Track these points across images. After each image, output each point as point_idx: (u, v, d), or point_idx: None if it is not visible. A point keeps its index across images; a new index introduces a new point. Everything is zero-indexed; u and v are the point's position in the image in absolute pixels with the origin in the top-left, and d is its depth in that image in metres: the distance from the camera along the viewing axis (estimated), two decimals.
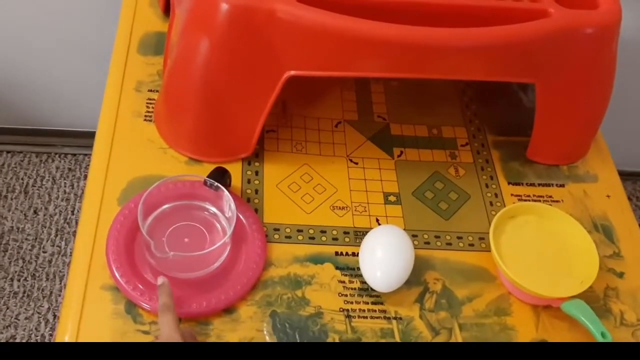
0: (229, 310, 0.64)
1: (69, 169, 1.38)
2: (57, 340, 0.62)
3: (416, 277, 0.68)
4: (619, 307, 0.69)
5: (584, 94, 0.74)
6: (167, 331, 0.57)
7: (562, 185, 0.79)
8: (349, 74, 0.67)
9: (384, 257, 0.65)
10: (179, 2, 0.72)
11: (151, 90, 0.78)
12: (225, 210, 0.67)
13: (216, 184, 0.66)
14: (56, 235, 1.29)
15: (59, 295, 1.22)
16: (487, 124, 0.84)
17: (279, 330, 0.63)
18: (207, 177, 0.67)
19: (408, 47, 0.63)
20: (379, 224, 0.72)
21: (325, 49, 0.64)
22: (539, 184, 0.78)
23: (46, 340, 1.17)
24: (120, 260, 0.64)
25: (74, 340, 0.61)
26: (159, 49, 0.82)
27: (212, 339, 0.62)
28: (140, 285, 0.63)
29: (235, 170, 0.73)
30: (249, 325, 0.63)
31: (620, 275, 0.72)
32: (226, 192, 0.66)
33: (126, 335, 0.61)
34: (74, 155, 1.40)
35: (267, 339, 0.63)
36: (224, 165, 0.71)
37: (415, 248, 0.70)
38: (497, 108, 0.86)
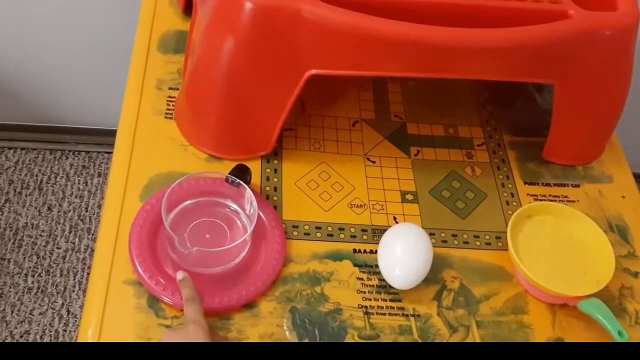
0: (249, 305, 0.65)
1: (83, 166, 1.39)
2: (80, 335, 0.63)
3: (434, 275, 0.69)
4: (634, 307, 0.70)
5: (601, 95, 0.74)
6: (192, 316, 0.57)
7: (578, 186, 0.79)
8: (369, 73, 0.67)
9: (403, 254, 0.66)
10: (202, 2, 0.73)
11: (172, 88, 0.79)
12: (246, 207, 0.68)
13: (238, 180, 0.67)
14: (70, 232, 1.30)
15: (73, 291, 1.23)
16: (503, 124, 0.84)
17: (299, 326, 0.64)
18: (229, 174, 0.68)
19: (429, 47, 0.64)
20: (397, 222, 0.73)
21: (348, 48, 0.65)
22: (555, 184, 0.79)
23: (60, 336, 1.18)
24: (143, 255, 0.65)
25: (97, 334, 0.62)
26: (179, 48, 0.83)
27: (233, 333, 0.63)
28: (162, 280, 0.64)
29: (254, 168, 0.74)
30: (269, 321, 0.64)
31: (635, 274, 0.73)
32: (248, 189, 0.66)
33: (149, 330, 0.62)
34: (88, 152, 1.41)
35: (287, 335, 0.63)
36: (244, 163, 0.72)
37: (432, 246, 0.71)
38: (513, 109, 0.87)
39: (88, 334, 0.62)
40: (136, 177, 0.72)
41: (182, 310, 0.63)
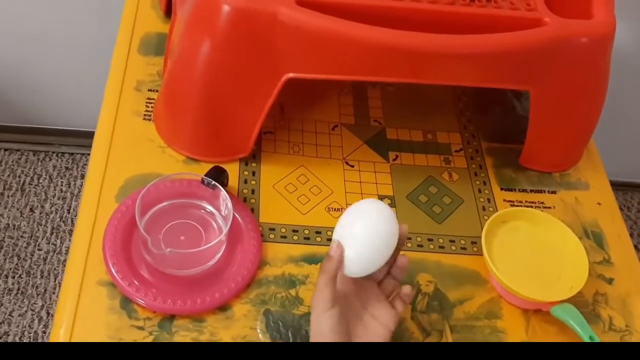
0: (223, 308, 0.65)
1: (66, 168, 1.39)
2: (52, 334, 0.63)
3: (409, 279, 0.69)
4: (608, 313, 0.70)
5: (577, 103, 0.75)
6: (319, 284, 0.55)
7: (554, 192, 0.80)
8: (346, 78, 0.68)
9: (361, 235, 0.56)
10: (181, 4, 0.73)
11: (151, 90, 0.79)
12: (221, 209, 0.68)
13: (213, 182, 0.67)
14: (52, 234, 1.29)
15: (53, 293, 1.22)
16: (482, 130, 0.85)
17: (272, 329, 0.64)
18: (205, 175, 0.68)
19: (405, 52, 0.65)
20: None
21: (324, 52, 0.65)
22: (531, 190, 0.79)
23: (39, 337, 1.17)
24: (117, 256, 0.64)
25: (69, 334, 0.61)
26: (159, 50, 0.83)
27: (206, 336, 0.63)
28: (136, 282, 0.63)
29: (232, 171, 0.74)
30: (243, 323, 0.64)
31: (610, 281, 0.73)
32: (223, 190, 0.66)
33: (121, 331, 0.62)
34: (72, 154, 1.41)
35: (261, 337, 0.63)
36: (222, 165, 0.72)
37: (408, 250, 0.71)
38: (491, 115, 0.87)
39: (60, 333, 0.62)
40: (113, 177, 0.72)
41: (155, 312, 0.63)
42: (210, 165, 0.71)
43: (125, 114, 0.77)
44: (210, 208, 0.69)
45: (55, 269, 1.25)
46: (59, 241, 1.28)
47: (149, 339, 0.62)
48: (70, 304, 0.63)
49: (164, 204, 0.68)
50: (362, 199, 0.75)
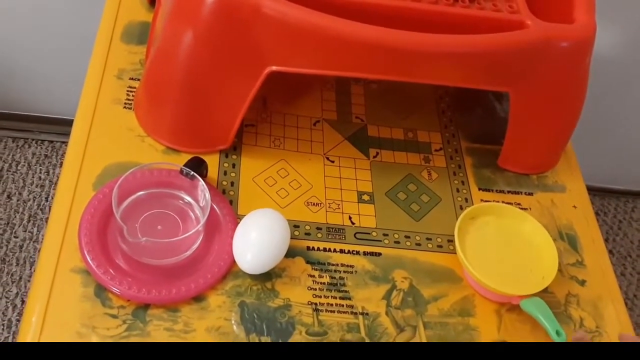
0: (198, 298, 0.64)
1: (45, 156, 1.37)
2: (23, 321, 0.62)
3: (384, 275, 0.69)
4: (579, 314, 0.71)
5: (556, 106, 0.76)
6: None
7: (531, 194, 0.81)
8: (329, 73, 0.68)
9: (257, 238, 0.65)
10: None
11: (132, 79, 0.79)
12: (199, 200, 0.68)
13: (192, 172, 0.67)
14: (28, 221, 1.28)
15: (28, 281, 1.21)
16: (462, 130, 0.86)
17: (247, 321, 0.64)
18: (184, 166, 0.68)
19: (388, 50, 0.65)
20: (352, 223, 0.74)
21: (307, 46, 0.65)
22: (508, 192, 0.80)
23: (13, 325, 1.16)
24: (92, 243, 0.64)
25: (41, 321, 0.61)
26: (142, 39, 0.82)
27: (180, 326, 0.63)
28: (111, 270, 0.63)
29: (212, 162, 0.73)
30: (218, 314, 0.64)
31: (582, 283, 0.74)
32: (201, 181, 0.66)
33: (94, 319, 0.62)
34: (51, 142, 1.39)
35: (235, 329, 0.63)
36: (202, 156, 0.72)
37: (385, 247, 0.71)
38: (472, 116, 0.88)
39: (32, 320, 0.61)
40: (91, 165, 0.71)
41: (129, 301, 0.63)
42: (190, 156, 0.71)
43: (106, 102, 0.77)
44: (188, 198, 0.69)
45: (31, 257, 1.24)
46: (35, 229, 1.27)
47: (122, 327, 0.62)
48: (43, 291, 0.62)
49: (142, 193, 0.68)
50: (341, 194, 0.76)
